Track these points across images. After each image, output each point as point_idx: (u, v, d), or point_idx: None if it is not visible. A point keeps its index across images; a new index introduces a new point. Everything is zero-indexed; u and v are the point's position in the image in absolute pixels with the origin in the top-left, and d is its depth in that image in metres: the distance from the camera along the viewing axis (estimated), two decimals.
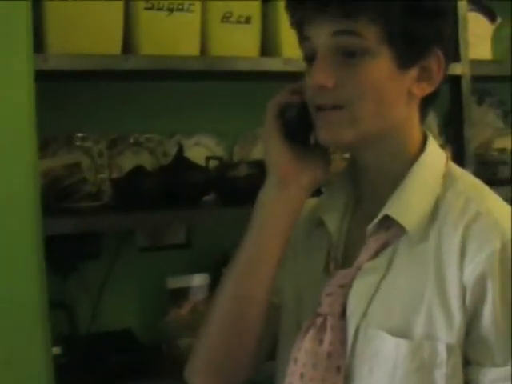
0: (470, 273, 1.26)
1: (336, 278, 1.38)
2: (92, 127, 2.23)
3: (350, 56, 1.29)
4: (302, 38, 1.36)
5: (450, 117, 2.71)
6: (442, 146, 2.69)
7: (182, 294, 2.28)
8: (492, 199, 1.37)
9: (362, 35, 1.28)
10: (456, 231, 1.30)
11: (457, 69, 2.52)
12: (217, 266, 2.32)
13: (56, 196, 2.00)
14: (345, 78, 1.30)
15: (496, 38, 2.90)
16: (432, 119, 2.90)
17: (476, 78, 2.59)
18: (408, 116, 1.37)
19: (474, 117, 2.63)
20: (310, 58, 1.34)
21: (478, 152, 2.68)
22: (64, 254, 2.09)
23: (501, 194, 1.42)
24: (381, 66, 1.30)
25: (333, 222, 1.45)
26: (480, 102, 3.06)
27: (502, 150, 2.76)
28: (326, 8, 1.27)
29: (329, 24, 1.29)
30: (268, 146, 1.43)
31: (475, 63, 2.58)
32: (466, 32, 2.53)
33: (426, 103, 1.39)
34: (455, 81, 2.55)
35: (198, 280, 2.31)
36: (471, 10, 2.67)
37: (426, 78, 1.34)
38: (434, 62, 1.33)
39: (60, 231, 1.89)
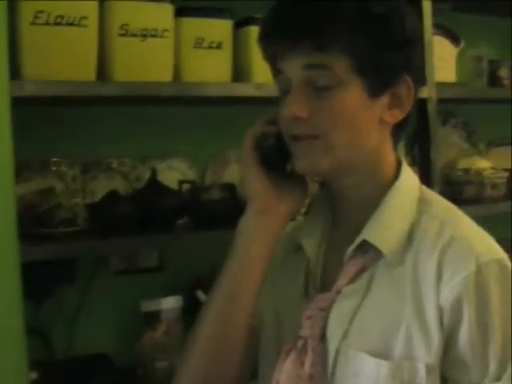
0: (447, 296, 1.30)
1: (316, 301, 1.41)
2: (65, 152, 2.24)
3: (322, 88, 1.34)
4: (276, 71, 1.41)
5: (416, 138, 2.76)
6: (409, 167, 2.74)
7: (155, 316, 2.28)
8: (466, 223, 1.41)
9: (332, 68, 1.32)
10: (432, 255, 1.34)
11: (423, 92, 2.56)
12: (190, 289, 2.34)
13: (32, 222, 2.00)
14: (318, 108, 1.34)
15: (460, 61, 2.96)
16: None
17: (441, 100, 2.63)
18: (381, 142, 1.41)
19: (439, 137, 2.68)
20: (284, 90, 1.39)
21: (443, 172, 2.72)
22: (38, 280, 2.07)
23: (466, 214, 1.45)
24: (352, 96, 1.34)
25: (311, 246, 1.48)
26: (444, 123, 3.11)
27: (467, 170, 2.81)
28: (297, 42, 1.32)
29: (300, 58, 1.33)
30: (247, 176, 1.47)
31: (440, 86, 2.63)
32: (431, 56, 2.58)
33: (398, 129, 1.44)
34: (421, 103, 2.59)
35: (172, 303, 2.31)
36: (436, 34, 2.71)
37: (397, 105, 1.38)
38: (404, 88, 1.38)
39: (35, 258, 1.88)
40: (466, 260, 1.31)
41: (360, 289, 1.38)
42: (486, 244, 1.36)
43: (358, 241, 1.39)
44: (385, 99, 1.37)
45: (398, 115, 1.40)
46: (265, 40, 1.41)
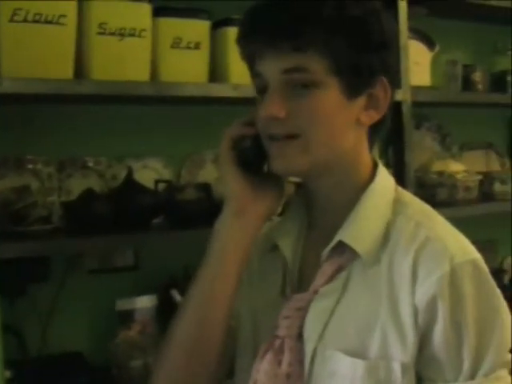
0: (422, 295, 1.32)
1: (293, 301, 1.43)
2: (41, 150, 2.23)
3: (300, 88, 1.35)
4: (254, 74, 1.42)
5: (391, 140, 2.78)
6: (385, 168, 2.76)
7: (130, 315, 2.28)
8: (441, 224, 1.43)
9: (310, 70, 1.33)
10: (407, 255, 1.35)
11: (398, 95, 2.58)
12: (164, 288, 2.34)
13: (7, 220, 2.00)
14: (296, 108, 1.35)
15: (434, 65, 2.99)
16: None
17: (415, 103, 2.66)
18: (357, 143, 1.43)
19: (413, 140, 2.70)
20: (261, 91, 1.40)
21: (416, 174, 2.75)
22: (12, 277, 2.07)
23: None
24: (330, 97, 1.35)
25: (288, 246, 1.49)
26: (418, 126, 3.14)
27: (440, 173, 2.84)
28: (275, 42, 1.33)
29: (278, 61, 1.34)
30: (224, 177, 1.48)
31: (415, 89, 2.66)
32: (406, 59, 2.60)
33: (374, 131, 1.45)
34: (396, 106, 2.60)
35: (146, 302, 2.31)
36: (411, 38, 2.73)
37: (374, 106, 1.40)
38: (381, 90, 1.40)
39: (10, 255, 1.88)
40: (441, 260, 1.32)
41: (336, 289, 1.39)
42: (461, 245, 1.38)
43: (334, 241, 1.40)
44: (362, 100, 1.39)
45: (374, 116, 1.41)
46: (243, 40, 1.42)
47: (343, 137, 1.40)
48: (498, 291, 1.37)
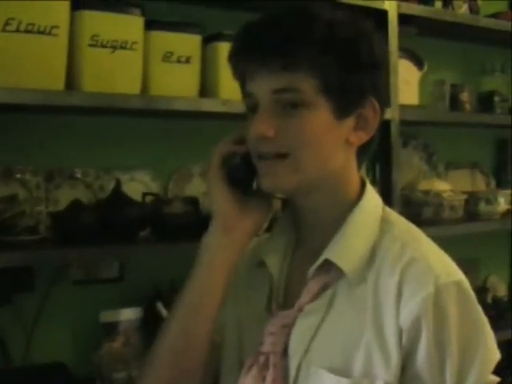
0: (406, 315, 1.32)
1: (278, 317, 1.44)
2: (29, 160, 2.23)
3: (290, 108, 1.36)
4: (245, 94, 1.44)
5: (378, 158, 2.79)
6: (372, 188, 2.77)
7: (115, 327, 2.27)
8: (426, 245, 1.44)
9: (300, 90, 1.35)
10: (392, 275, 1.36)
11: (386, 113, 2.59)
12: (150, 300, 2.34)
13: None
14: (285, 127, 1.36)
15: (423, 84, 3.01)
16: None
17: (403, 122, 2.68)
18: (346, 163, 1.44)
19: (400, 159, 2.72)
20: (252, 110, 1.41)
21: (402, 193, 2.76)
22: None
23: (425, 235, 1.48)
24: (319, 117, 1.37)
25: (274, 263, 1.51)
26: (405, 144, 3.15)
27: (426, 192, 2.85)
28: (266, 62, 1.35)
29: (269, 80, 1.36)
30: (212, 194, 1.49)
31: (403, 108, 2.68)
32: (396, 78, 2.62)
33: (363, 151, 1.47)
34: (384, 125, 2.62)
35: (131, 314, 2.31)
36: (401, 57, 2.75)
37: (363, 127, 1.41)
38: (370, 110, 1.41)
39: None
40: (426, 281, 1.33)
41: (322, 306, 1.40)
42: (446, 266, 1.39)
43: (320, 260, 1.41)
44: (351, 121, 1.40)
45: (363, 137, 1.43)
46: (234, 59, 1.44)
47: (332, 157, 1.41)
48: (482, 313, 1.39)
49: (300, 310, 1.42)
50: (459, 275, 1.38)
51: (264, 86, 1.37)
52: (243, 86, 1.44)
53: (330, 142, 1.39)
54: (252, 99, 1.41)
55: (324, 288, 1.42)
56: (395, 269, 1.36)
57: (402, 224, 1.49)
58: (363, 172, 2.96)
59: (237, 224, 1.47)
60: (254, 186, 1.49)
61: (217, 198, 1.48)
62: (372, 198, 1.49)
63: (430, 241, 1.46)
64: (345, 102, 1.38)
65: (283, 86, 1.35)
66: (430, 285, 1.33)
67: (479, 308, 1.39)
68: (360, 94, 1.40)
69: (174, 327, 1.47)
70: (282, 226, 1.57)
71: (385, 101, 1.49)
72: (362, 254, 1.41)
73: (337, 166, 1.42)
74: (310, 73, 1.34)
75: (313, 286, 1.42)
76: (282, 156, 1.38)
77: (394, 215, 1.52)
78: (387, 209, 1.52)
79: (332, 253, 1.41)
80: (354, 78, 1.38)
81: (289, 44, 1.34)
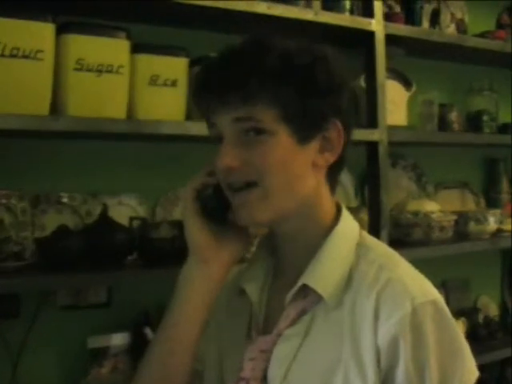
0: (383, 336, 1.34)
1: (257, 343, 1.46)
2: (15, 184, 2.20)
3: (253, 135, 1.39)
4: (209, 125, 1.48)
5: (366, 180, 2.79)
6: (359, 208, 2.76)
7: (102, 353, 2.26)
8: (402, 266, 1.46)
9: (259, 119, 1.37)
10: (369, 297, 1.38)
11: (374, 135, 2.59)
12: (137, 325, 2.32)
13: None
14: (250, 156, 1.39)
15: (411, 105, 3.01)
16: (348, 181, 2.97)
17: (391, 143, 2.67)
18: (317, 187, 1.46)
19: (389, 179, 2.71)
20: (218, 140, 1.44)
21: (392, 214, 2.76)
22: None
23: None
24: (281, 143, 1.39)
25: (254, 290, 1.53)
26: (394, 165, 3.16)
27: (416, 213, 2.84)
28: (224, 98, 1.38)
29: (229, 112, 1.39)
30: (187, 227, 1.52)
31: (391, 129, 2.67)
32: (383, 99, 2.62)
33: (333, 173, 1.49)
34: (372, 146, 2.62)
35: (119, 339, 2.29)
36: (388, 78, 2.75)
37: (328, 149, 1.44)
38: (334, 132, 1.43)
39: None
40: (402, 301, 1.35)
41: (300, 331, 1.42)
42: (422, 286, 1.41)
43: (298, 285, 1.43)
44: (315, 144, 1.42)
45: (329, 158, 1.45)
46: (196, 97, 1.48)
47: (301, 182, 1.43)
48: (460, 332, 1.41)
49: (278, 335, 1.44)
50: (435, 295, 1.40)
51: (225, 118, 1.40)
52: (207, 119, 1.48)
53: (296, 166, 1.41)
54: (216, 129, 1.44)
55: (302, 313, 1.43)
56: (372, 291, 1.38)
57: (378, 247, 1.52)
58: (352, 193, 2.99)
59: (213, 256, 1.50)
60: (231, 216, 1.51)
61: (191, 230, 1.51)
62: (348, 222, 1.51)
63: (406, 263, 1.48)
64: (306, 127, 1.41)
65: (242, 116, 1.38)
66: (407, 305, 1.34)
67: (456, 327, 1.41)
68: (321, 117, 1.42)
69: (153, 358, 1.49)
70: (261, 253, 1.59)
71: (350, 121, 1.49)
72: (338, 279, 1.43)
73: (308, 190, 1.44)
74: (268, 102, 1.37)
75: (291, 312, 1.44)
76: (252, 185, 1.40)
77: (370, 239, 1.54)
78: (364, 233, 1.54)
79: (309, 278, 1.42)
80: (314, 103, 1.40)
81: (244, 78, 1.37)
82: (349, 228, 1.51)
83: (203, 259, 1.49)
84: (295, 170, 1.41)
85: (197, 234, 1.50)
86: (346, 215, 1.52)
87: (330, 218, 1.49)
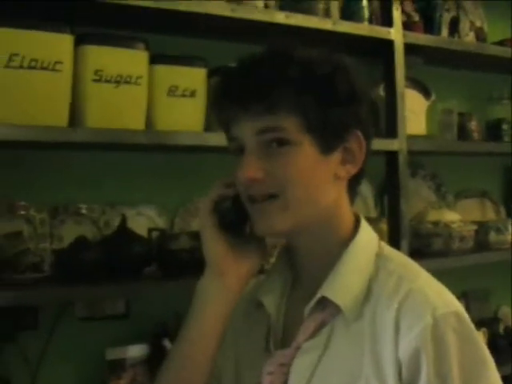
0: (405, 348, 1.31)
1: (276, 357, 1.44)
2: (34, 196, 2.21)
3: (275, 146, 1.38)
4: (230, 138, 1.47)
5: (386, 189, 2.77)
6: (378, 218, 2.75)
7: (121, 364, 2.24)
8: (423, 277, 1.44)
9: (283, 128, 1.37)
10: (389, 309, 1.36)
11: (394, 144, 2.58)
12: (156, 337, 2.31)
13: None
14: (273, 168, 1.39)
15: (430, 113, 2.99)
16: (368, 191, 2.96)
17: (410, 152, 2.65)
18: (337, 198, 1.45)
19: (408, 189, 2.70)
20: (237, 153, 1.44)
21: (412, 224, 2.74)
22: (0, 325, 2.06)
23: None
24: (305, 153, 1.38)
25: (272, 304, 1.51)
26: (413, 174, 3.14)
27: (436, 223, 2.82)
28: (246, 106, 1.38)
29: (252, 121, 1.38)
30: (204, 240, 1.51)
31: (410, 138, 2.66)
32: (403, 108, 2.61)
33: (353, 184, 1.48)
34: (392, 156, 2.61)
35: (137, 351, 2.27)
36: (408, 87, 2.74)
37: (350, 160, 1.43)
38: (355, 143, 1.43)
39: None
40: (423, 313, 1.33)
41: (319, 344, 1.40)
42: (443, 297, 1.39)
43: (317, 297, 1.42)
44: (337, 155, 1.42)
45: (351, 170, 1.44)
46: (217, 107, 1.48)
47: (322, 193, 1.42)
48: (483, 345, 1.37)
49: (297, 348, 1.42)
50: (457, 305, 1.38)
51: (248, 129, 1.39)
52: (227, 131, 1.47)
53: (318, 178, 1.41)
54: (237, 142, 1.43)
55: (321, 325, 1.42)
56: (392, 302, 1.36)
57: (397, 258, 1.50)
58: (371, 203, 2.97)
59: (229, 268, 1.49)
60: (248, 229, 1.51)
61: (208, 243, 1.51)
62: (366, 233, 1.50)
63: (426, 273, 1.46)
64: (329, 137, 1.40)
65: (266, 127, 1.37)
66: (428, 316, 1.32)
67: (479, 338, 1.38)
68: (343, 128, 1.41)
69: (169, 374, 1.50)
70: (279, 264, 1.58)
71: (370, 132, 1.49)
72: (358, 290, 1.41)
73: (328, 202, 1.43)
74: (291, 112, 1.37)
75: (310, 324, 1.42)
76: (273, 197, 1.40)
77: (389, 249, 1.52)
78: (383, 243, 1.53)
79: (328, 290, 1.41)
80: (335, 113, 1.39)
81: (267, 87, 1.36)
82: (367, 239, 1.49)
83: (220, 272, 1.49)
84: (317, 181, 1.40)
85: (213, 246, 1.50)
86: (365, 226, 1.50)
87: (349, 229, 1.48)
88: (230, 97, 1.42)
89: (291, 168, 1.38)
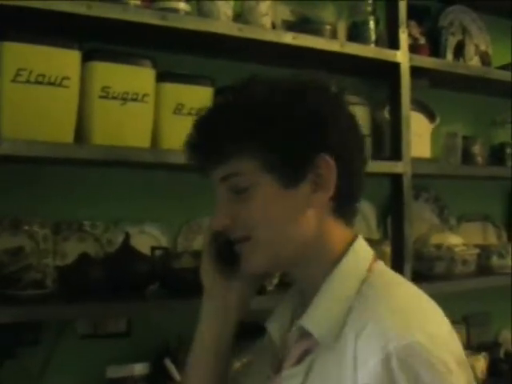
0: (361, 380, 1.27)
1: (270, 383, 1.47)
2: (38, 211, 2.21)
3: (241, 192, 1.42)
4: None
5: (389, 211, 2.77)
6: (381, 241, 2.74)
7: (121, 383, 2.23)
8: (396, 300, 1.36)
9: (242, 172, 1.41)
10: (352, 339, 1.31)
11: (398, 167, 2.57)
12: (158, 356, 2.29)
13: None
14: (239, 213, 1.43)
15: (434, 137, 2.99)
16: (370, 212, 2.95)
17: (415, 175, 2.65)
18: (318, 225, 1.43)
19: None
20: None
21: (414, 247, 2.72)
22: (1, 341, 2.04)
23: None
24: (265, 194, 1.41)
25: (275, 331, 1.54)
26: (416, 197, 3.13)
27: (438, 246, 2.81)
28: (208, 158, 1.47)
29: (214, 170, 1.47)
30: (201, 267, 1.62)
31: (415, 161, 2.65)
32: (408, 131, 2.60)
33: (341, 203, 1.45)
34: (396, 178, 2.60)
35: (138, 369, 2.26)
36: (413, 110, 2.74)
37: (321, 186, 1.40)
38: (324, 167, 1.40)
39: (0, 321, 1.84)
40: (375, 346, 1.26)
41: (300, 372, 1.39)
42: (404, 326, 1.29)
43: (296, 327, 1.43)
44: (304, 185, 1.41)
45: (323, 196, 1.42)
46: (187, 156, 1.54)
47: (295, 228, 1.42)
48: (447, 374, 1.26)
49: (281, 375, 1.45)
50: (416, 336, 1.26)
51: (214, 176, 1.47)
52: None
53: (287, 214, 1.41)
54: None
55: (306, 353, 1.41)
56: (353, 333, 1.32)
57: (381, 284, 1.42)
58: (374, 225, 2.96)
59: (218, 295, 1.58)
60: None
61: (203, 271, 1.61)
62: (355, 257, 1.45)
63: (408, 293, 1.41)
64: (289, 171, 1.40)
65: (225, 173, 1.43)
66: (379, 351, 1.25)
67: (437, 372, 1.25)
68: (304, 158, 1.40)
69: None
70: (291, 291, 1.61)
71: (345, 149, 1.44)
72: (335, 319, 1.37)
73: (308, 233, 1.42)
74: (243, 158, 1.40)
75: (295, 352, 1.43)
76: (247, 239, 1.44)
77: (379, 273, 1.45)
78: (376, 266, 1.46)
79: (306, 319, 1.41)
80: (294, 147, 1.39)
81: (213, 141, 1.44)
82: (354, 263, 1.44)
83: (209, 297, 1.60)
84: (286, 217, 1.41)
85: (206, 274, 1.60)
86: (357, 248, 1.46)
87: (338, 252, 1.44)
88: (191, 154, 1.51)
89: (254, 211, 1.41)
